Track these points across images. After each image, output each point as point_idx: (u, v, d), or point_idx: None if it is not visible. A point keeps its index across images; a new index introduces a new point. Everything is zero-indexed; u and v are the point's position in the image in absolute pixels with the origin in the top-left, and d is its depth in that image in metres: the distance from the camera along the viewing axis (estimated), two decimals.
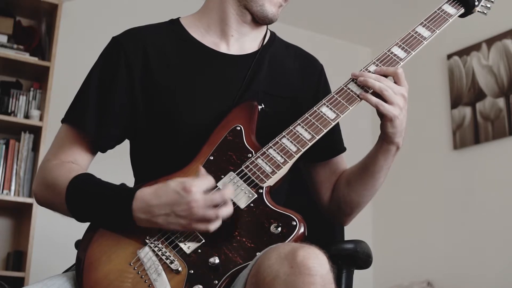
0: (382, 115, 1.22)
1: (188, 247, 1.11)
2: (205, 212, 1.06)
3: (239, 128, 1.24)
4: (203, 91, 1.31)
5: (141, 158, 1.36)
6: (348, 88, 1.24)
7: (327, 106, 1.23)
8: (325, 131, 1.21)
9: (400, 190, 3.82)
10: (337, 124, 1.31)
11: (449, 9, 1.35)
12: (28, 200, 2.94)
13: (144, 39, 1.34)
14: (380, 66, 1.25)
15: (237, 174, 1.17)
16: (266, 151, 1.19)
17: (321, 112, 1.22)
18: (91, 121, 1.28)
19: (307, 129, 1.21)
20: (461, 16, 1.38)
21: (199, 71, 1.33)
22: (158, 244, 1.12)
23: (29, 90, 3.16)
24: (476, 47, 3.61)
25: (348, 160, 1.44)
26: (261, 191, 1.15)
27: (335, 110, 1.22)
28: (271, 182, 1.16)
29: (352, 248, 1.27)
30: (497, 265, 3.24)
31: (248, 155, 1.20)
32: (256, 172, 1.17)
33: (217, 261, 1.08)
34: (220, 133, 1.24)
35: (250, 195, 1.14)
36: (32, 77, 3.24)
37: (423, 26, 1.31)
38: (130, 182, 1.36)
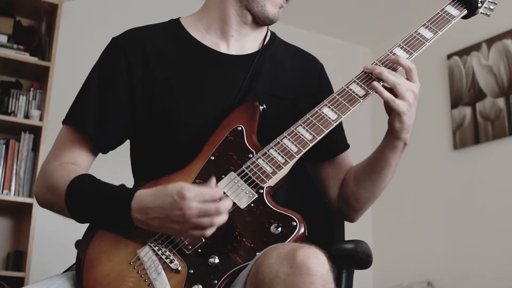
0: (390, 110, 1.22)
1: (188, 246, 1.11)
2: (198, 220, 1.05)
3: (240, 129, 1.24)
4: (203, 91, 1.31)
5: (141, 158, 1.36)
6: (350, 89, 1.24)
7: (329, 107, 1.23)
8: (326, 131, 1.21)
9: (400, 190, 3.81)
10: (340, 122, 1.31)
11: (452, 10, 1.35)
12: (28, 200, 2.94)
13: (144, 40, 1.34)
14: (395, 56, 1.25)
15: (238, 174, 1.17)
16: (267, 152, 1.19)
17: (323, 112, 1.22)
18: (91, 122, 1.28)
19: (308, 129, 1.21)
20: (464, 17, 1.37)
21: (199, 71, 1.33)
22: (158, 243, 1.12)
23: (29, 90, 3.16)
24: (476, 47, 3.61)
25: None
26: (262, 191, 1.15)
27: (337, 111, 1.22)
28: (271, 182, 1.16)
29: (352, 248, 1.28)
30: (497, 265, 3.24)
31: (249, 155, 1.20)
32: (257, 172, 1.17)
33: (217, 261, 1.08)
34: (221, 133, 1.24)
35: (251, 195, 1.14)
36: (32, 77, 3.24)
37: (426, 28, 1.31)
38: (130, 182, 1.36)
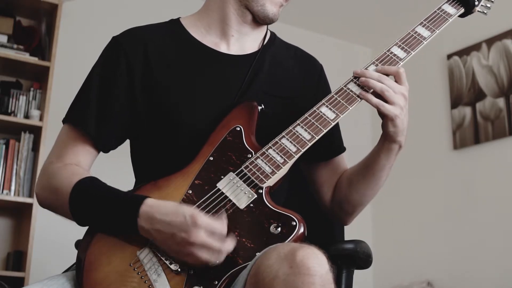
0: (383, 115, 1.22)
1: None
2: (197, 251, 1.04)
3: (238, 129, 1.24)
4: (203, 91, 1.31)
5: (141, 157, 1.36)
6: (348, 88, 1.24)
7: (327, 106, 1.23)
8: (325, 131, 1.20)
9: (400, 190, 3.81)
10: (337, 124, 1.31)
11: (449, 9, 1.35)
12: (28, 200, 2.94)
13: (144, 39, 1.34)
14: (381, 66, 1.25)
15: (237, 175, 1.17)
16: (265, 152, 1.19)
17: (321, 112, 1.22)
18: (91, 121, 1.28)
19: (307, 129, 1.21)
20: (461, 16, 1.38)
21: (199, 71, 1.33)
22: None
23: (29, 90, 3.16)
24: (476, 47, 3.61)
25: (348, 160, 1.44)
26: (261, 191, 1.15)
27: (335, 110, 1.22)
28: (270, 182, 1.16)
29: (352, 248, 1.27)
30: (497, 265, 3.24)
31: (248, 156, 1.20)
32: (256, 172, 1.17)
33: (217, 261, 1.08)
34: (220, 133, 1.24)
35: (250, 196, 1.14)
36: (32, 77, 3.24)
37: (423, 26, 1.31)
38: (130, 182, 1.36)
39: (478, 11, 1.39)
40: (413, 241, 3.80)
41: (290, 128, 1.21)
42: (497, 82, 3.46)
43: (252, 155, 1.20)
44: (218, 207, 1.13)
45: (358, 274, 1.35)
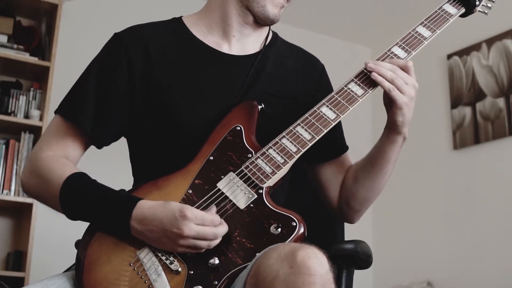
0: (391, 103, 1.21)
1: None
2: (194, 242, 1.07)
3: (239, 128, 1.24)
4: (203, 90, 1.31)
5: (140, 157, 1.36)
6: (348, 88, 1.24)
7: (327, 106, 1.23)
8: (325, 131, 1.20)
9: (400, 190, 3.81)
10: (339, 123, 1.31)
11: (450, 9, 1.34)
12: (28, 200, 2.93)
13: (146, 37, 1.34)
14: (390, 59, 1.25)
15: (237, 175, 1.17)
16: (266, 151, 1.19)
17: (321, 112, 1.22)
18: (89, 119, 1.27)
19: (307, 129, 1.20)
20: (462, 16, 1.37)
21: (200, 71, 1.33)
22: None
23: (29, 90, 3.16)
24: (476, 47, 3.61)
25: None
26: (261, 191, 1.15)
27: (335, 110, 1.22)
28: (271, 182, 1.16)
29: (352, 248, 1.27)
30: (497, 265, 3.24)
31: (248, 155, 1.20)
32: (256, 172, 1.16)
33: (216, 261, 1.08)
34: (220, 133, 1.24)
35: (250, 196, 1.14)
36: (32, 77, 3.24)
37: (424, 26, 1.31)
38: (129, 181, 1.36)
39: (479, 11, 1.39)
40: (413, 241, 3.79)
41: (291, 128, 1.21)
42: (497, 82, 3.45)
43: (252, 155, 1.19)
44: (218, 207, 1.13)
45: (358, 274, 1.35)
